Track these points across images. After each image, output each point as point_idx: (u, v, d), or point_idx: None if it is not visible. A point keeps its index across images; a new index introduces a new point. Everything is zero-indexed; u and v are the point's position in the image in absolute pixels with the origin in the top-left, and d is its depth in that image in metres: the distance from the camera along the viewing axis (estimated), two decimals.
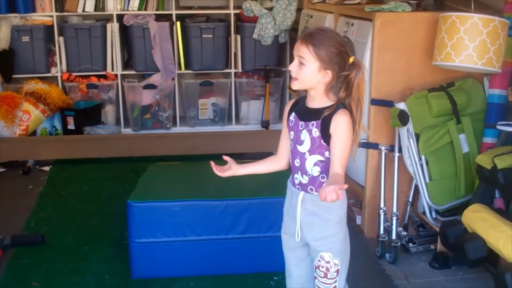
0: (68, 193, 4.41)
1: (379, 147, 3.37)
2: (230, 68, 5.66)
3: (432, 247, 3.35)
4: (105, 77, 5.60)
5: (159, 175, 3.67)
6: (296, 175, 2.13)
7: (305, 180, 2.11)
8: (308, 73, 2.00)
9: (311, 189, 2.10)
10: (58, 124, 5.43)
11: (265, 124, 5.58)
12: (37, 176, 4.83)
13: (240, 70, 5.65)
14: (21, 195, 4.38)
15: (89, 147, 5.14)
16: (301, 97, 2.15)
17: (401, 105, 3.15)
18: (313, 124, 2.04)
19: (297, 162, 2.11)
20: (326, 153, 2.05)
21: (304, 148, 2.07)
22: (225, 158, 2.29)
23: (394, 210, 3.30)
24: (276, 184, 3.62)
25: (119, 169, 4.95)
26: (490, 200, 3.08)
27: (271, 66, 5.57)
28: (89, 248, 3.45)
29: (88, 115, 5.40)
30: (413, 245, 3.35)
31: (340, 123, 1.99)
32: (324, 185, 1.93)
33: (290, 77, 2.08)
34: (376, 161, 3.46)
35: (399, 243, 3.31)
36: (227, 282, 3.04)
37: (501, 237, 2.65)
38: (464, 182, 3.28)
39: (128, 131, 5.56)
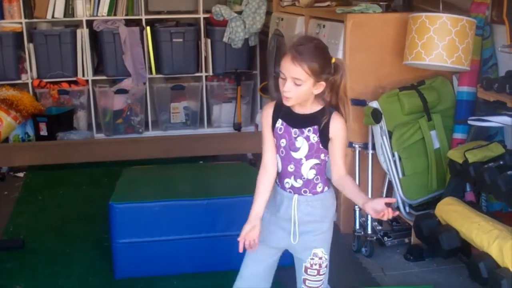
0: (44, 198, 4.41)
1: (353, 145, 3.46)
2: (201, 71, 5.71)
3: (407, 240, 3.46)
4: (76, 82, 5.59)
5: (136, 178, 3.70)
6: (287, 180, 2.11)
7: (298, 183, 2.10)
8: (304, 91, 1.97)
9: (305, 191, 2.10)
10: (30, 131, 5.40)
11: (237, 127, 5.65)
12: (12, 182, 4.80)
13: (211, 73, 5.71)
14: None
15: (63, 152, 5.13)
16: (279, 100, 2.07)
17: (374, 104, 3.25)
18: (309, 130, 2.03)
19: (290, 168, 2.08)
20: (322, 156, 2.07)
21: (300, 154, 2.06)
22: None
23: None
24: (252, 180, 3.71)
25: (94, 173, 4.95)
26: (461, 193, 3.21)
27: (242, 69, 5.64)
28: (70, 251, 3.46)
29: (60, 121, 5.39)
30: (388, 239, 3.45)
31: (339, 127, 2.02)
32: (365, 200, 2.03)
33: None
34: (350, 158, 3.55)
35: (375, 237, 3.41)
36: (209, 280, 3.09)
37: (474, 227, 2.76)
38: (436, 177, 3.40)
39: (100, 136, 5.56)
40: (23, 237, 3.59)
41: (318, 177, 2.10)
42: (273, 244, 2.21)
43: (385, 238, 3.45)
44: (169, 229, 3.08)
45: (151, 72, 5.66)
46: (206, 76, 5.73)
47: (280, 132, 2.08)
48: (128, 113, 5.64)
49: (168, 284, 3.06)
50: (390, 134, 3.32)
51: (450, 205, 2.99)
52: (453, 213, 2.93)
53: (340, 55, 3.47)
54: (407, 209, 3.43)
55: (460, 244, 2.87)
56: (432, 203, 3.35)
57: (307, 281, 2.23)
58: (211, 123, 5.83)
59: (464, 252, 2.92)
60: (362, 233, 3.42)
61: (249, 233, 2.10)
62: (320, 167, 2.09)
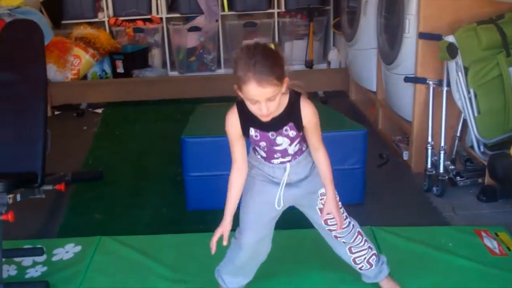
0: (121, 133, 4.58)
1: (427, 81, 3.38)
2: (273, 8, 5.67)
3: (480, 180, 3.38)
4: (150, 20, 5.68)
5: (208, 114, 3.78)
6: (273, 160, 2.11)
7: (287, 159, 2.10)
8: (278, 100, 1.90)
9: (295, 158, 2.11)
10: (107, 68, 5.58)
11: (309, 64, 5.61)
12: (91, 118, 5.01)
13: (283, 9, 5.66)
14: (77, 136, 4.57)
15: (138, 89, 5.29)
16: (240, 107, 1.99)
17: (450, 38, 3.14)
18: (287, 130, 2.02)
19: (276, 155, 2.09)
20: (301, 133, 2.06)
21: (283, 146, 2.06)
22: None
23: (442, 144, 3.33)
24: (322, 118, 3.71)
25: (168, 110, 5.09)
26: None
27: (315, 4, 5.55)
28: (145, 184, 3.61)
29: (136, 58, 5.53)
30: (461, 179, 3.39)
31: (309, 114, 2.00)
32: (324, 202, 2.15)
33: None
34: (424, 96, 3.48)
35: (447, 177, 3.35)
36: None
37: None
38: None
39: (174, 73, 5.66)
40: (101, 170, 3.76)
41: (301, 146, 2.10)
42: (278, 204, 2.17)
43: (458, 178, 3.38)
44: None
45: (223, 9, 5.66)
46: (278, 13, 5.68)
47: (257, 138, 2.05)
48: (201, 51, 5.70)
49: (237, 217, 3.14)
50: (466, 70, 3.20)
51: None
52: None
53: None
54: (482, 148, 3.33)
55: None
56: (508, 142, 3.23)
57: (328, 221, 2.21)
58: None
59: None
60: (434, 172, 3.37)
61: (220, 231, 2.11)
62: (301, 140, 2.09)
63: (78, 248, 2.75)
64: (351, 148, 3.16)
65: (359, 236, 2.29)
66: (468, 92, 3.22)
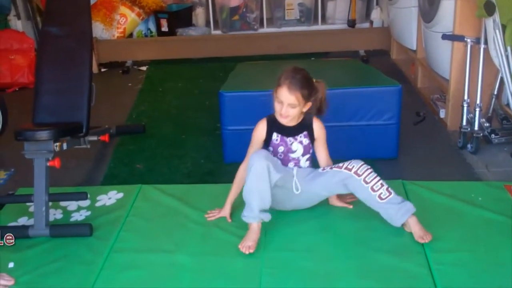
0: (164, 90, 4.73)
1: (465, 39, 3.37)
2: None
3: None
4: None
5: (247, 71, 3.87)
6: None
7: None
8: (297, 111, 2.50)
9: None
10: (152, 27, 5.69)
11: (351, 23, 5.59)
12: (135, 75, 5.17)
13: None
14: (122, 92, 4.74)
15: (182, 48, 5.40)
16: (270, 117, 2.60)
17: None
18: (301, 136, 2.60)
19: (290, 164, 2.62)
20: (311, 150, 2.65)
21: (297, 154, 2.61)
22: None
23: (478, 102, 3.34)
24: (359, 75, 3.74)
25: (210, 68, 5.20)
26: None
27: None
28: (186, 137, 3.74)
29: (180, 17, 5.62)
30: (496, 136, 3.39)
31: (320, 129, 2.63)
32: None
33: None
34: (461, 53, 3.47)
35: (481, 134, 3.36)
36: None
37: None
38: None
39: (217, 32, 5.73)
40: (144, 123, 3.91)
41: (311, 164, 2.69)
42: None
43: (492, 136, 3.39)
44: None
45: None
46: None
47: (276, 142, 2.60)
48: (244, 10, 5.73)
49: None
50: (504, 27, 3.17)
51: None
52: None
53: None
54: None
55: None
56: None
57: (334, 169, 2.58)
58: (325, 19, 5.80)
59: None
60: (469, 129, 3.39)
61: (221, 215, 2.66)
62: (311, 157, 2.67)
63: (120, 195, 2.90)
64: (386, 103, 3.21)
65: (372, 172, 2.49)
66: (506, 50, 3.20)
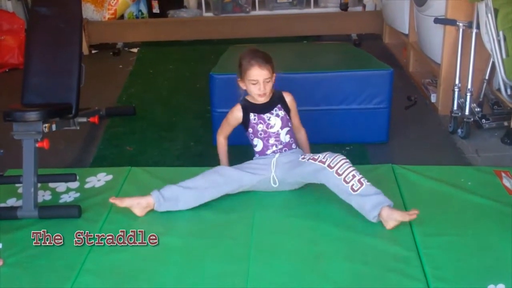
0: (155, 72, 4.70)
1: (457, 23, 3.36)
2: None
3: (506, 123, 3.38)
4: None
5: (238, 54, 3.82)
6: (268, 151, 2.71)
7: (279, 146, 2.70)
8: (271, 85, 2.64)
9: (285, 150, 2.70)
10: (143, 8, 5.65)
11: (344, 7, 5.56)
12: (126, 57, 5.13)
13: None
14: (113, 74, 4.71)
15: (173, 29, 5.37)
16: (243, 102, 2.72)
17: None
18: (276, 110, 2.69)
19: (271, 140, 2.69)
20: (289, 123, 2.72)
21: (276, 127, 2.68)
22: None
23: (469, 86, 3.33)
24: (351, 58, 3.73)
25: (201, 50, 5.17)
26: None
27: None
28: (176, 120, 3.73)
29: None
30: (486, 121, 3.39)
31: (292, 100, 2.74)
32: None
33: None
34: (453, 38, 3.47)
35: (472, 119, 3.36)
36: None
37: None
38: None
39: (209, 14, 5.69)
40: (135, 105, 3.89)
41: (292, 138, 2.74)
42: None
43: (483, 121, 3.39)
44: None
45: None
46: None
47: (255, 121, 2.69)
48: None
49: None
50: (496, 12, 3.16)
51: None
52: None
53: None
54: (509, 91, 3.31)
55: None
56: None
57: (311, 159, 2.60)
58: (318, 2, 5.77)
59: None
60: (460, 114, 3.39)
61: None
62: (291, 131, 2.73)
63: (110, 177, 2.89)
64: (377, 87, 3.20)
65: (346, 163, 2.48)
66: (497, 35, 3.19)
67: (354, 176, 2.43)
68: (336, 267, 2.17)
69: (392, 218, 2.36)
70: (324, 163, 2.48)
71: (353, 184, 2.41)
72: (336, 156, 2.49)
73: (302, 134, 2.83)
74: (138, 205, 2.52)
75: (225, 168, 2.68)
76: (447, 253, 2.23)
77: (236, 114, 2.71)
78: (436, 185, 2.74)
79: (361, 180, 2.42)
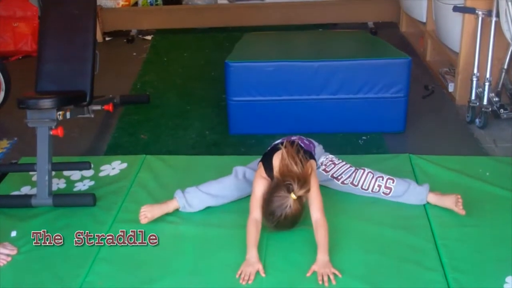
0: (169, 59, 4.68)
1: (476, 11, 3.30)
2: None
3: None
4: None
5: (254, 41, 3.82)
6: None
7: None
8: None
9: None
10: None
11: None
12: (140, 44, 5.11)
13: None
14: (127, 61, 4.69)
15: (188, 17, 5.34)
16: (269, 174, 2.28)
17: None
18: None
19: None
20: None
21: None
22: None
23: (487, 76, 3.28)
24: (368, 47, 3.69)
25: (216, 38, 5.14)
26: None
27: None
28: (191, 108, 3.71)
29: None
30: (504, 111, 3.34)
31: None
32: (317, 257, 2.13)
33: None
34: (472, 26, 3.41)
35: (490, 109, 3.31)
36: (317, 141, 3.20)
37: None
38: None
39: (224, 2, 5.64)
40: (149, 93, 3.88)
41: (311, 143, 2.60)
42: None
43: (501, 110, 3.34)
44: (280, 90, 3.18)
45: None
46: None
47: None
48: None
49: None
50: None
51: None
52: None
53: None
54: None
55: None
56: None
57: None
58: None
59: None
60: (478, 104, 3.34)
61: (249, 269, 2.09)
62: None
63: (124, 165, 2.88)
64: (394, 76, 3.16)
65: (368, 175, 2.47)
66: None
67: (379, 186, 2.46)
68: (352, 258, 2.15)
69: (443, 204, 2.42)
70: (345, 183, 2.50)
71: (382, 191, 2.46)
72: (354, 173, 2.49)
73: (321, 232, 2.17)
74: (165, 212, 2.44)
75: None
76: (464, 244, 2.20)
77: (263, 185, 2.28)
78: (453, 175, 2.70)
79: (387, 185, 2.45)
